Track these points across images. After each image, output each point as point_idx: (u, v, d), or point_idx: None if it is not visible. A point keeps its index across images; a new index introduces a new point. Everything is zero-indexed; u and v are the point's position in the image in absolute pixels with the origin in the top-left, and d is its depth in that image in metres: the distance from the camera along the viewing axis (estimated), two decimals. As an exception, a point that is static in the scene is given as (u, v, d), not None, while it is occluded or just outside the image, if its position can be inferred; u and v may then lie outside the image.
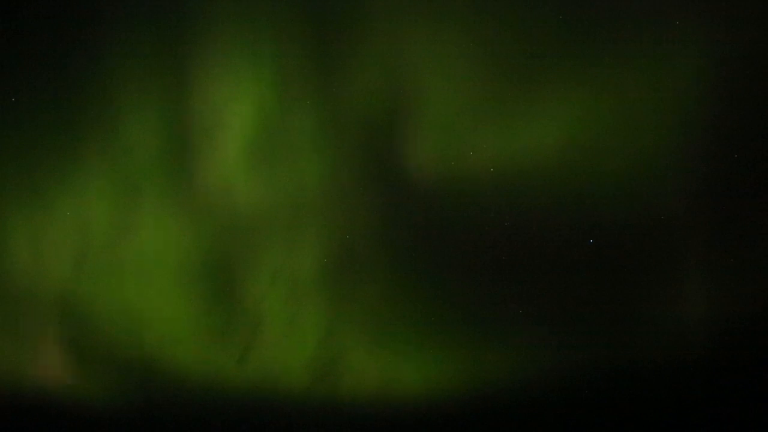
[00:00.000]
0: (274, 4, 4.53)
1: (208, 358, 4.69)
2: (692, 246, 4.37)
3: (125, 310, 4.72)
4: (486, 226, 4.51)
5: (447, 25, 4.40)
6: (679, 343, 4.38)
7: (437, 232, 4.55)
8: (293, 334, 4.66)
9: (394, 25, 4.45)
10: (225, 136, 4.60)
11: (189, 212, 4.65)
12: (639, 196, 4.38)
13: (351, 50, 4.48)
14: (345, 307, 4.62)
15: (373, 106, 4.51)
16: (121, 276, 4.71)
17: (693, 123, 4.33)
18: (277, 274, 4.63)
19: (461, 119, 4.46)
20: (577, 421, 4.48)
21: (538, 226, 4.48)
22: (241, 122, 4.58)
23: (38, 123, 4.66)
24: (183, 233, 4.65)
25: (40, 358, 4.72)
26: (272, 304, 4.65)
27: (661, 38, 4.28)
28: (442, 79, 4.43)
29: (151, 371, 4.71)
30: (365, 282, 4.61)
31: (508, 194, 4.47)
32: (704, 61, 4.27)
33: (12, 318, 4.74)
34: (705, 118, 4.32)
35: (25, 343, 4.75)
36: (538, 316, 4.50)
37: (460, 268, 4.56)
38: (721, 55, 4.25)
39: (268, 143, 4.59)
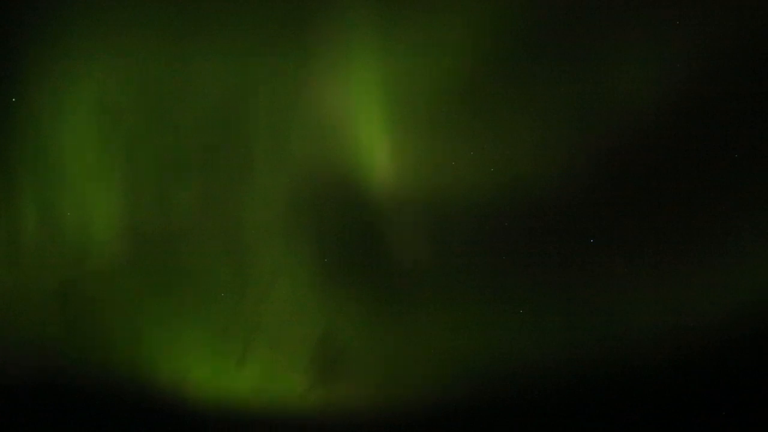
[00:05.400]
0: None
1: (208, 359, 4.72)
2: (690, 245, 4.39)
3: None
4: (485, 227, 4.52)
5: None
6: (674, 341, 4.40)
7: (435, 233, 4.56)
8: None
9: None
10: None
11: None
12: (636, 195, 4.41)
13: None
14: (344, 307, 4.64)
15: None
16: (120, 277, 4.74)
17: (691, 122, 4.36)
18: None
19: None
20: (576, 418, 4.49)
21: (538, 226, 4.49)
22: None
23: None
24: None
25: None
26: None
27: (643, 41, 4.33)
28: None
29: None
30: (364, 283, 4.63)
31: (508, 195, 4.48)
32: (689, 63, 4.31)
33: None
34: (701, 117, 4.35)
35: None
36: (538, 315, 4.51)
37: (461, 268, 4.57)
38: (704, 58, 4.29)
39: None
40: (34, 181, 4.72)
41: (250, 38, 4.56)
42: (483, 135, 4.49)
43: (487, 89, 4.47)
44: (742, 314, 4.32)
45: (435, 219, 4.55)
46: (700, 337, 4.36)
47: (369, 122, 4.57)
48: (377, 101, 4.55)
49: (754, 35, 4.24)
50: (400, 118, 4.55)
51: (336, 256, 4.65)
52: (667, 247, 4.39)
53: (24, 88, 4.69)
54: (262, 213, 4.67)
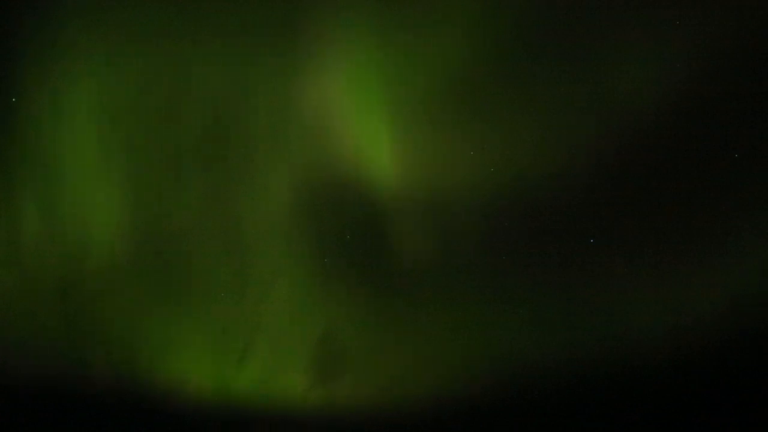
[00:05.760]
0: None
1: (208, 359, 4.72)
2: (690, 245, 4.39)
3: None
4: (485, 227, 4.52)
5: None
6: (674, 341, 4.40)
7: (435, 233, 4.56)
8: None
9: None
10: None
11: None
12: (636, 195, 4.41)
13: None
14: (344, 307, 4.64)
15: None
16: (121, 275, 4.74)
17: (690, 123, 4.36)
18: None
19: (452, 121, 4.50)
20: (576, 418, 4.49)
21: (538, 226, 4.49)
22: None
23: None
24: None
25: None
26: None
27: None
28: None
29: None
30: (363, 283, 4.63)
31: (508, 195, 4.48)
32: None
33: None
34: (700, 117, 4.35)
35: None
36: (538, 315, 4.51)
37: (461, 268, 4.57)
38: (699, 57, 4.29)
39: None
40: (34, 181, 4.72)
41: (250, 38, 4.57)
42: (483, 135, 4.49)
43: (487, 89, 4.47)
44: (742, 314, 4.32)
45: (435, 219, 4.55)
46: (700, 337, 4.36)
47: (369, 122, 4.57)
48: (377, 101, 4.56)
49: (754, 35, 4.24)
50: (400, 118, 4.55)
51: (336, 256, 4.65)
52: (667, 247, 4.39)
53: (24, 88, 4.69)
54: (262, 213, 4.67)
